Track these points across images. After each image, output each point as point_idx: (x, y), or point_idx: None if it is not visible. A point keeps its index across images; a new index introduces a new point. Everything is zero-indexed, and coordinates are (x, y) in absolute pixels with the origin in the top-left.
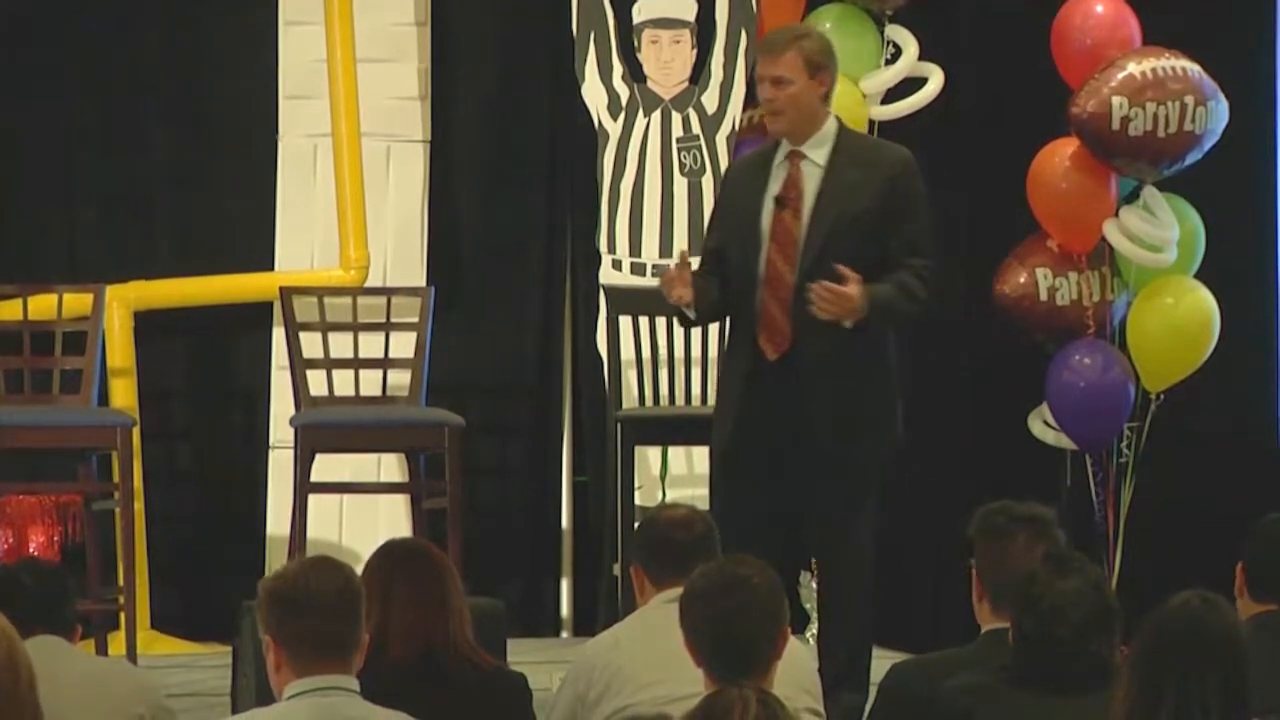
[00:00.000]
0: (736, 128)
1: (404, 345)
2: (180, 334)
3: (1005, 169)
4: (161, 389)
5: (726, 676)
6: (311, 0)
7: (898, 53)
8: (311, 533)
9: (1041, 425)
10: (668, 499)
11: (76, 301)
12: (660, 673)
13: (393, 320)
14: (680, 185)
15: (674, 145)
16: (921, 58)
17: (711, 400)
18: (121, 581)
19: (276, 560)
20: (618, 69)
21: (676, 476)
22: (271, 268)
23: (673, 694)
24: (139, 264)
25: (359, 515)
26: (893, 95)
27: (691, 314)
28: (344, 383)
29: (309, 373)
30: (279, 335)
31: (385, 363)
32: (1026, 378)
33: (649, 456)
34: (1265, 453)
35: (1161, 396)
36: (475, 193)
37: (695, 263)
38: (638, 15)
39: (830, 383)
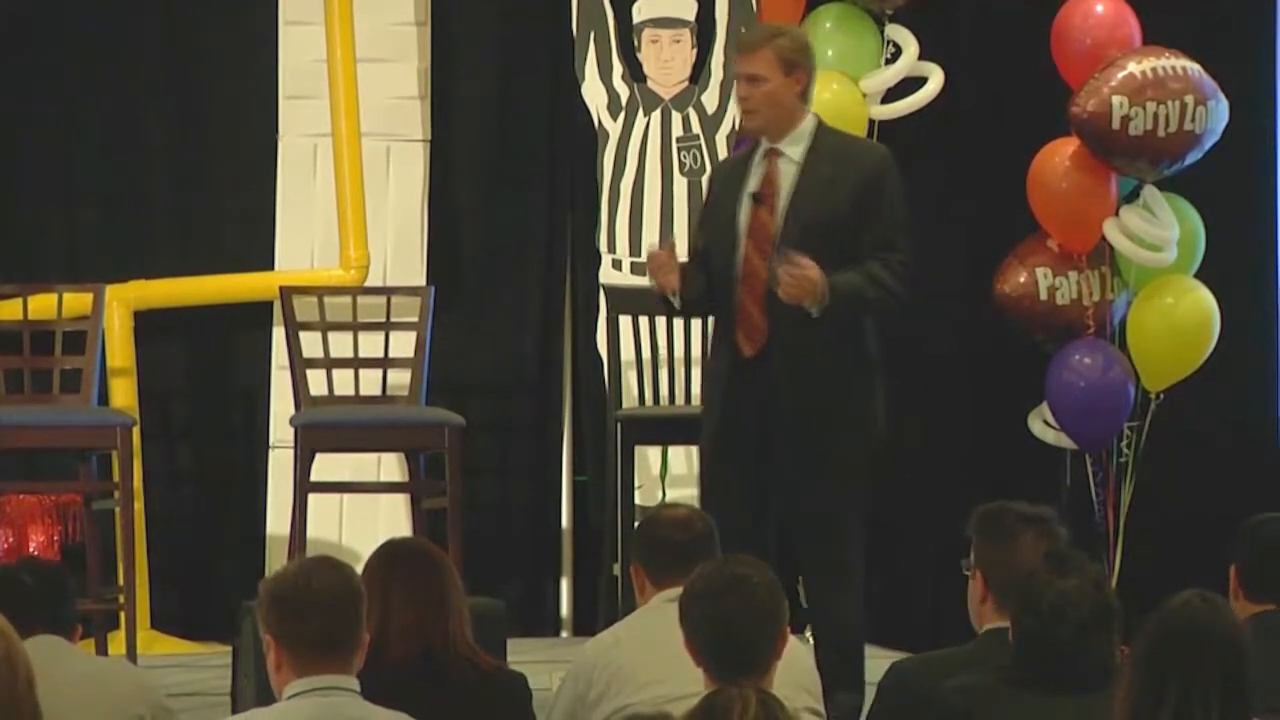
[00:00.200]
0: (736, 127)
1: (404, 345)
2: (180, 334)
3: (1005, 169)
4: (161, 389)
5: (726, 676)
6: (311, 0)
7: (898, 52)
8: (311, 532)
9: (1041, 425)
10: (668, 499)
11: (76, 301)
12: (660, 672)
13: (393, 320)
14: (680, 185)
15: (674, 145)
16: (921, 58)
17: None
18: (121, 581)
19: (276, 560)
20: (618, 68)
21: (676, 476)
22: (271, 267)
23: (673, 693)
24: (139, 264)
25: (359, 515)
26: (893, 95)
27: (676, 302)
28: (344, 382)
29: (309, 372)
30: (279, 335)
31: (385, 362)
32: (1026, 378)
33: (649, 456)
34: (1265, 453)
35: (1161, 396)
36: (475, 193)
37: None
38: (638, 15)
39: (806, 378)
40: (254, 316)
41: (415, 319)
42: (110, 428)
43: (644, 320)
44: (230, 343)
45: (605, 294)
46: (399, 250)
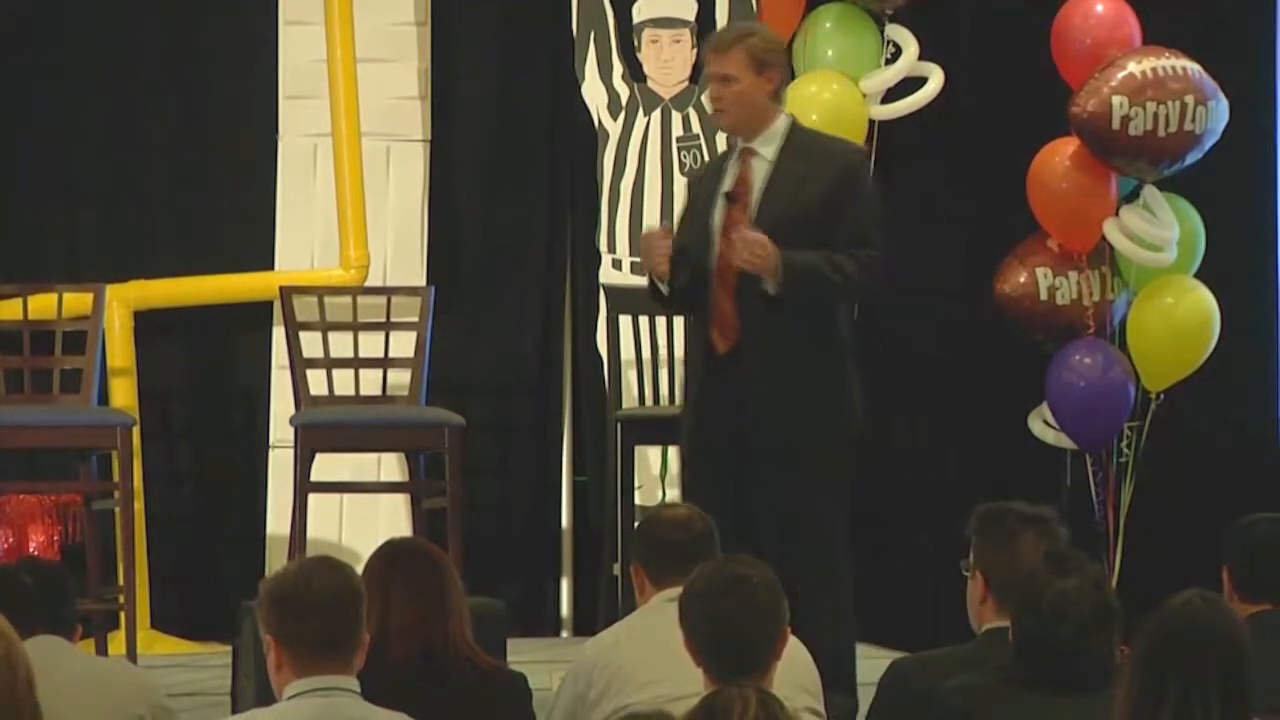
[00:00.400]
0: None
1: (404, 345)
2: (180, 334)
3: (1005, 169)
4: (161, 389)
5: (726, 676)
6: (311, 0)
7: (898, 52)
8: (311, 532)
9: (1041, 425)
10: (668, 499)
11: (76, 301)
12: (660, 672)
13: (393, 320)
14: (680, 185)
15: (674, 144)
16: (921, 58)
17: None
18: (121, 581)
19: (276, 560)
20: (618, 68)
21: (676, 476)
22: (271, 267)
23: (673, 693)
24: (139, 264)
25: (359, 515)
26: (893, 95)
27: (665, 288)
28: (344, 382)
29: (309, 372)
30: (279, 335)
31: (385, 362)
32: (1026, 378)
33: (649, 456)
34: (1265, 453)
35: (1161, 396)
36: (475, 193)
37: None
38: (638, 15)
39: (779, 372)
40: (254, 316)
41: (415, 319)
42: (110, 428)
43: (644, 320)
44: (230, 343)
45: (605, 294)
46: (399, 250)
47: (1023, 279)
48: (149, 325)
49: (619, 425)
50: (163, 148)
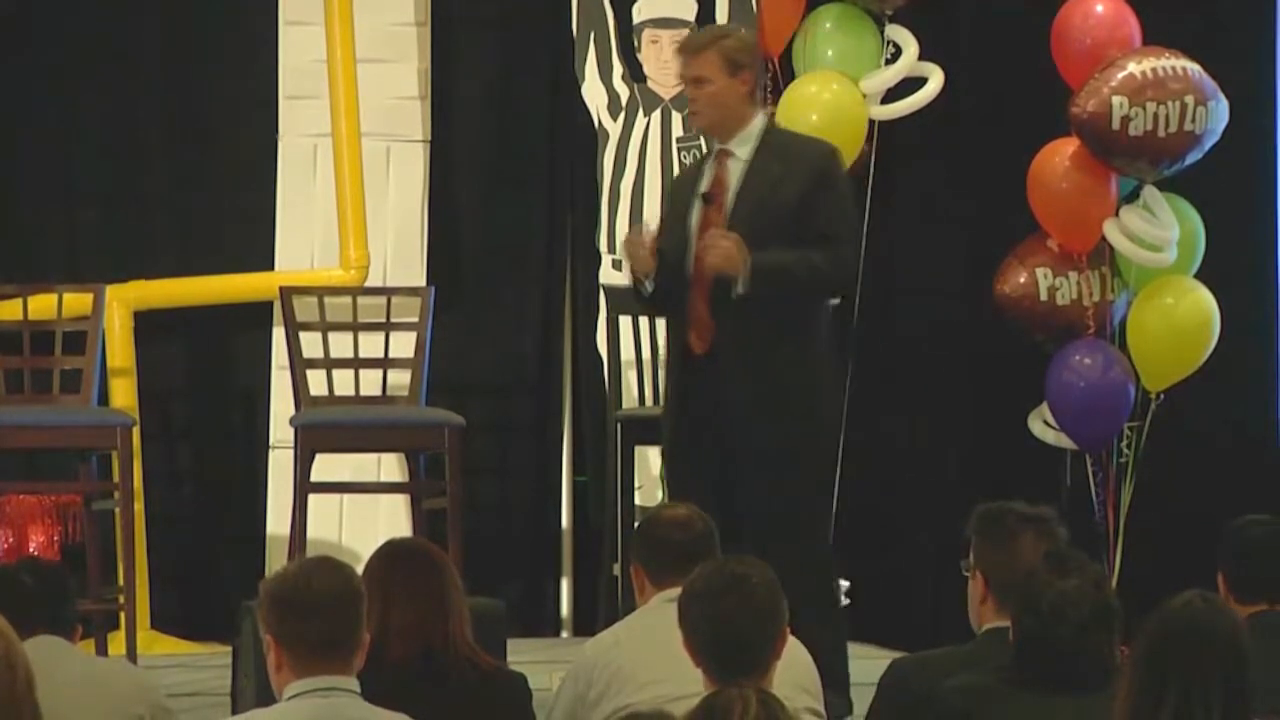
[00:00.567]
0: None
1: (404, 345)
2: (180, 334)
3: (1005, 169)
4: (161, 389)
5: (726, 676)
6: (311, 1)
7: (898, 53)
8: (311, 533)
9: (1041, 425)
10: (667, 499)
11: (76, 301)
12: (660, 672)
13: (393, 320)
14: None
15: (674, 145)
16: (921, 58)
17: None
18: (121, 581)
19: (276, 560)
20: (618, 69)
21: None
22: (271, 268)
23: (672, 693)
24: (139, 264)
25: (359, 515)
26: (893, 95)
27: (648, 287)
28: (344, 382)
29: (309, 372)
30: (279, 335)
31: (385, 362)
32: (1026, 378)
33: (649, 456)
34: (1265, 453)
35: (1161, 396)
36: (475, 193)
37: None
38: (638, 15)
39: (753, 373)
40: (254, 316)
41: (415, 319)
42: (110, 428)
43: (644, 321)
44: (230, 343)
45: (605, 294)
46: (399, 250)
47: (1023, 279)
48: (149, 325)
49: (619, 425)
50: (163, 148)
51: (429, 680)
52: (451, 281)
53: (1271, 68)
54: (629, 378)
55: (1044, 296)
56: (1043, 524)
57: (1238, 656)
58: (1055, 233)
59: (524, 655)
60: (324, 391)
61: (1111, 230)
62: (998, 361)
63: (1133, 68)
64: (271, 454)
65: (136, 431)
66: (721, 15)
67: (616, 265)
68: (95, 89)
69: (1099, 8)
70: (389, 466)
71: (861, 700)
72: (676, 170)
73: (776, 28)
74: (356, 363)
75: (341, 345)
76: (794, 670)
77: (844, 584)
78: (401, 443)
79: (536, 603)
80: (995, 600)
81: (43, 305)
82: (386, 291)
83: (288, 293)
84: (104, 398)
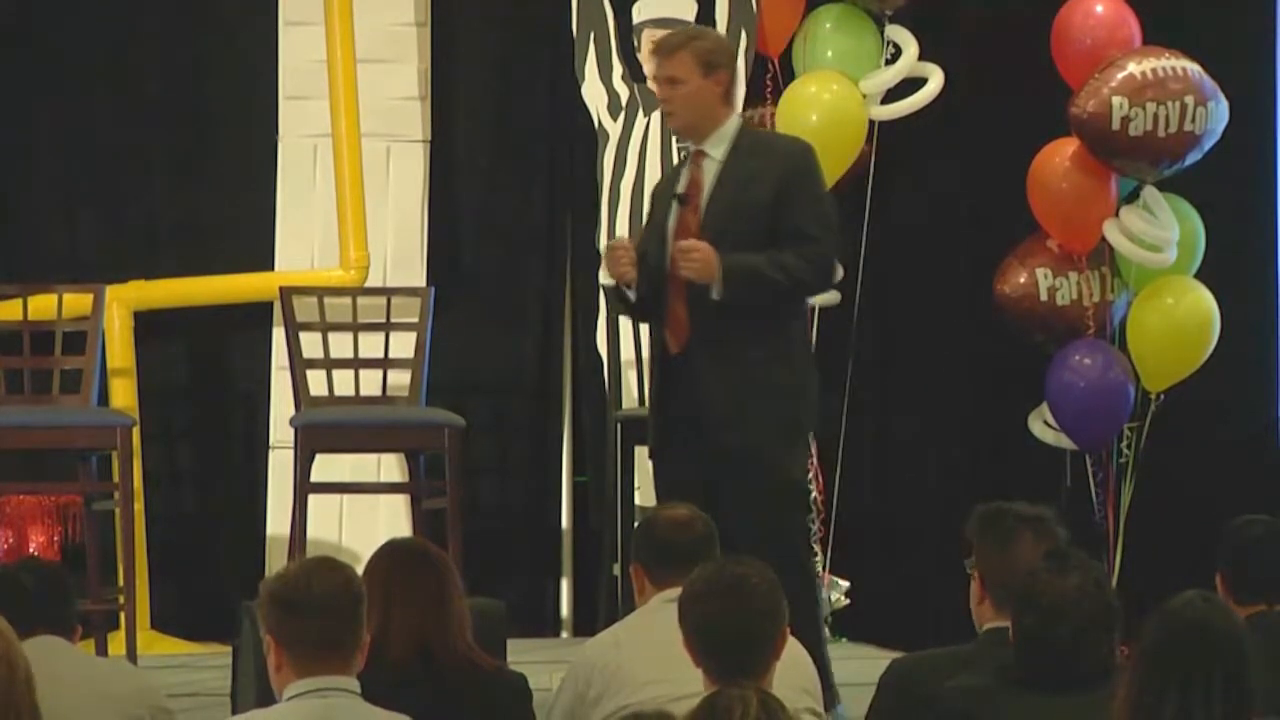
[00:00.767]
0: None
1: (404, 345)
2: (180, 334)
3: (1005, 169)
4: (161, 389)
5: (726, 677)
6: (311, 1)
7: (898, 53)
8: (311, 533)
9: (1042, 425)
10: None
11: (76, 301)
12: (660, 672)
13: (393, 320)
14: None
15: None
16: (921, 58)
17: None
18: (121, 581)
19: (276, 560)
20: (618, 69)
21: None
22: (271, 268)
23: (672, 694)
24: (139, 264)
25: (359, 515)
26: (893, 95)
27: (632, 295)
28: (344, 383)
29: (309, 373)
30: (279, 335)
31: (385, 363)
32: (1026, 378)
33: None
34: (1265, 453)
35: (1161, 396)
36: (475, 193)
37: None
38: (638, 15)
39: (727, 373)
40: (254, 317)
41: (415, 319)
42: (110, 428)
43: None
44: (230, 343)
45: (605, 294)
46: (399, 250)
47: (1023, 279)
48: (149, 326)
49: (619, 426)
50: (163, 148)
51: (429, 680)
52: (451, 281)
53: (1271, 68)
54: (629, 378)
55: (1044, 297)
56: (1041, 525)
57: (1238, 656)
58: (1055, 233)
59: (524, 655)
60: (324, 392)
61: (1111, 230)
62: (998, 361)
63: (1133, 68)
64: (271, 454)
65: (136, 432)
66: (721, 15)
67: None
68: (96, 89)
69: (1099, 8)
70: (389, 467)
71: (861, 700)
72: None
73: (776, 28)
74: (356, 363)
75: (341, 345)
76: (793, 671)
77: (844, 584)
78: (401, 443)
79: (536, 603)
80: (993, 600)
81: (43, 305)
82: (386, 292)
83: (288, 293)
84: (104, 398)
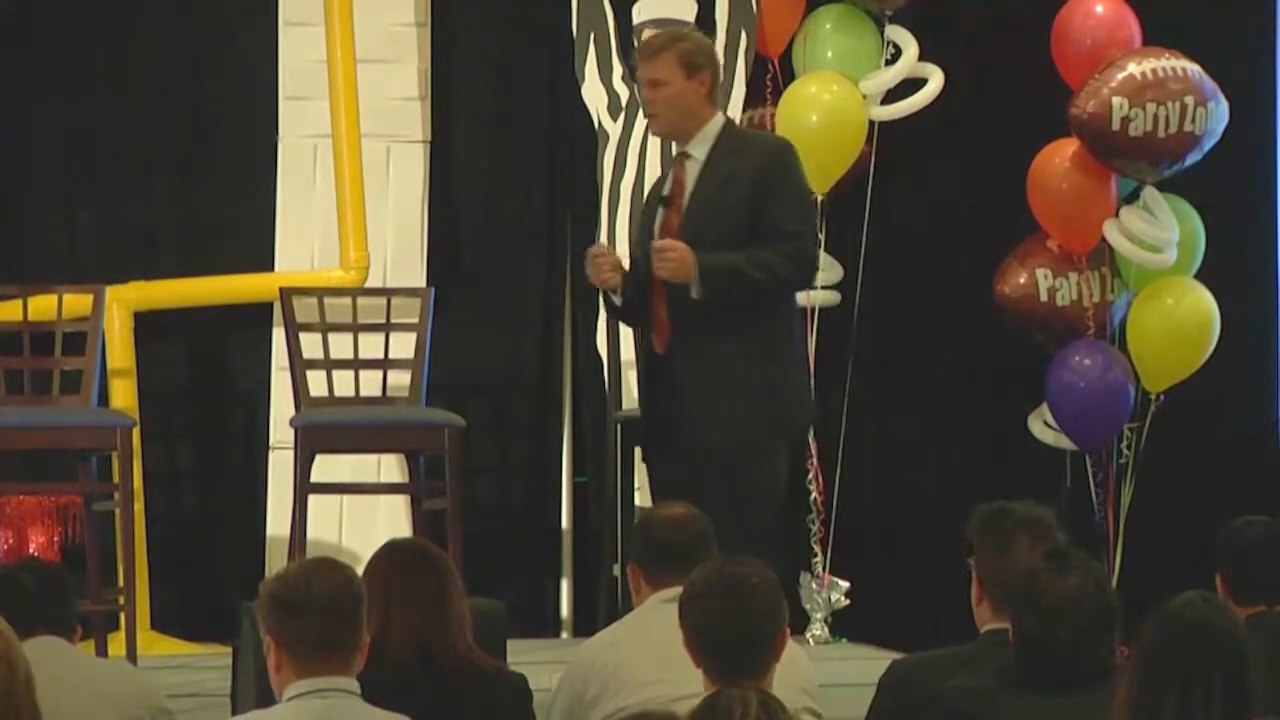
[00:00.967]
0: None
1: (404, 346)
2: (180, 334)
3: (1005, 169)
4: (161, 389)
5: (726, 677)
6: (311, 1)
7: (898, 53)
8: (311, 533)
9: (1041, 426)
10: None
11: (76, 302)
12: (658, 673)
13: (392, 321)
14: None
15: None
16: (921, 58)
17: None
18: (121, 582)
19: (276, 561)
20: (618, 69)
21: None
22: (271, 268)
23: (671, 694)
24: (139, 264)
25: (359, 516)
26: (893, 96)
27: (617, 299)
28: (344, 383)
29: (309, 373)
30: (279, 336)
31: (385, 363)
32: (1026, 378)
33: None
34: (1265, 453)
35: (1161, 397)
36: (475, 193)
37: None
38: (638, 15)
39: (707, 372)
40: (254, 317)
41: (415, 320)
42: (110, 428)
43: None
44: (230, 344)
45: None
46: (399, 251)
47: (1023, 280)
48: (149, 326)
49: (619, 426)
50: (163, 148)
51: (429, 681)
52: (451, 281)
53: (1271, 68)
54: (629, 378)
55: (1044, 297)
56: (1039, 527)
57: (1238, 657)
58: (1055, 233)
59: (524, 655)
60: (324, 392)
61: (1111, 231)
62: (998, 362)
63: (1133, 68)
64: (271, 455)
65: (136, 432)
66: (721, 16)
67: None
68: (96, 89)
69: (1099, 8)
70: (389, 467)
71: (861, 701)
72: None
73: (776, 28)
74: (356, 363)
75: (341, 346)
76: (791, 671)
77: (844, 584)
78: (401, 443)
79: (536, 603)
80: (992, 602)
81: (43, 306)
82: (386, 292)
83: (288, 293)
84: (104, 398)
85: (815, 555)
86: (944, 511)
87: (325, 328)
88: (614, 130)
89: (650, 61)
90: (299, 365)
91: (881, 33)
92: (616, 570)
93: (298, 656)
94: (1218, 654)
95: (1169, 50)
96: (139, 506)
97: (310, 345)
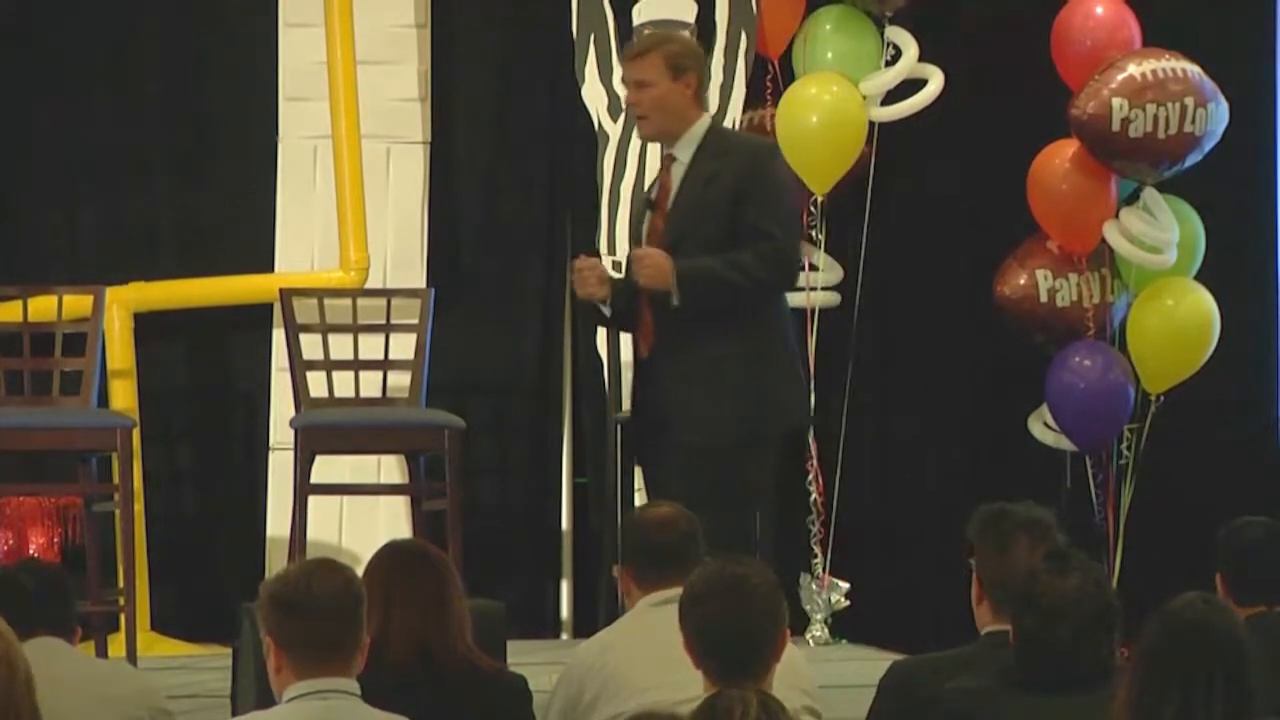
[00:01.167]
0: (736, 129)
1: (404, 347)
2: (180, 335)
3: (1005, 170)
4: (161, 390)
5: (727, 678)
6: (311, 2)
7: (898, 54)
8: (311, 534)
9: (1041, 426)
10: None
11: (76, 303)
12: (654, 678)
13: (392, 322)
14: None
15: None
16: (921, 59)
17: None
18: (121, 583)
19: (276, 562)
20: (618, 70)
21: None
22: (271, 269)
23: (671, 698)
24: (139, 265)
25: (359, 517)
26: (893, 97)
27: (606, 310)
28: (344, 384)
29: (309, 374)
30: (279, 337)
31: (385, 364)
32: (1026, 379)
33: None
34: (1265, 453)
35: (1161, 398)
36: (475, 193)
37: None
38: (638, 16)
39: (690, 376)
40: (254, 318)
41: (415, 321)
42: (110, 429)
43: None
44: (230, 345)
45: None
46: (399, 252)
47: (1023, 281)
48: (149, 327)
49: (618, 427)
50: (163, 148)
51: (429, 682)
52: (451, 281)
53: (1271, 68)
54: (628, 379)
55: (1044, 298)
56: (1039, 528)
57: (1239, 657)
58: (1055, 234)
59: (524, 656)
60: (324, 393)
61: (1111, 232)
62: (997, 362)
63: (1133, 69)
64: (271, 455)
65: (136, 433)
66: (722, 17)
67: (616, 267)
68: (96, 90)
69: (1099, 9)
70: (389, 468)
71: (861, 702)
72: None
73: (776, 29)
74: (356, 364)
75: (341, 347)
76: (790, 671)
77: (844, 585)
78: (401, 444)
79: (536, 604)
80: (992, 602)
81: (43, 307)
82: (386, 293)
83: (288, 294)
84: (104, 399)
85: (815, 556)
86: (944, 512)
87: (325, 328)
88: (614, 131)
89: (636, 62)
90: (299, 366)
91: (881, 34)
92: (616, 571)
93: (298, 657)
94: (1218, 654)
95: (1169, 51)
96: (139, 507)
97: (310, 346)
